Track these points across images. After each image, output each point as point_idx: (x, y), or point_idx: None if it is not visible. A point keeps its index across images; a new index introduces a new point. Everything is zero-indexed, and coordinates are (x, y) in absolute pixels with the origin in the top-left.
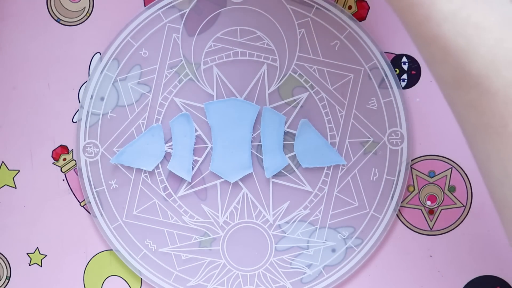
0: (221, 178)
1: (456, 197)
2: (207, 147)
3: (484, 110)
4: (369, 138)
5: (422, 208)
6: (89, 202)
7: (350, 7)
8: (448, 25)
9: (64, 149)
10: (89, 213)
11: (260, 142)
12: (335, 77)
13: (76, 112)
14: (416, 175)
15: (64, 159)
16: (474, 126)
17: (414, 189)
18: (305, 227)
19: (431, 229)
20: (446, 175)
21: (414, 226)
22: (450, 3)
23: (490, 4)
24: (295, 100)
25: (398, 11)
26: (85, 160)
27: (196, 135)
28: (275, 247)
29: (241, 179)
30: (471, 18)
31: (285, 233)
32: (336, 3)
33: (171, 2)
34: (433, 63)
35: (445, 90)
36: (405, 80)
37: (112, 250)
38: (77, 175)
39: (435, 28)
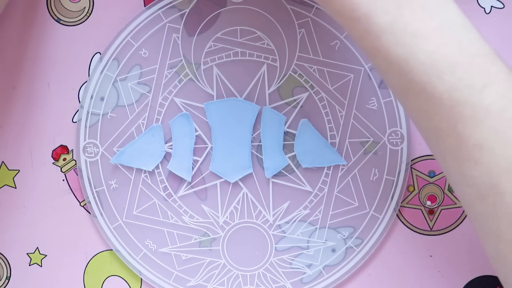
0: (221, 178)
1: (456, 197)
2: (207, 147)
3: (432, 114)
4: (369, 138)
5: (422, 208)
6: (89, 202)
7: None
8: (386, 36)
9: (64, 149)
10: (89, 213)
11: (260, 142)
12: (335, 77)
13: (76, 112)
14: (416, 175)
15: (64, 159)
16: (427, 130)
17: (414, 189)
18: (305, 227)
19: (431, 229)
20: None
21: (414, 226)
22: (387, 15)
23: (429, 11)
24: (295, 100)
25: (341, 26)
26: (85, 160)
27: (196, 135)
28: (275, 247)
29: (241, 179)
30: (408, 27)
31: (285, 233)
32: None
33: (171, 2)
34: (381, 73)
35: (397, 97)
36: None
37: (112, 250)
38: (77, 175)
39: (375, 41)
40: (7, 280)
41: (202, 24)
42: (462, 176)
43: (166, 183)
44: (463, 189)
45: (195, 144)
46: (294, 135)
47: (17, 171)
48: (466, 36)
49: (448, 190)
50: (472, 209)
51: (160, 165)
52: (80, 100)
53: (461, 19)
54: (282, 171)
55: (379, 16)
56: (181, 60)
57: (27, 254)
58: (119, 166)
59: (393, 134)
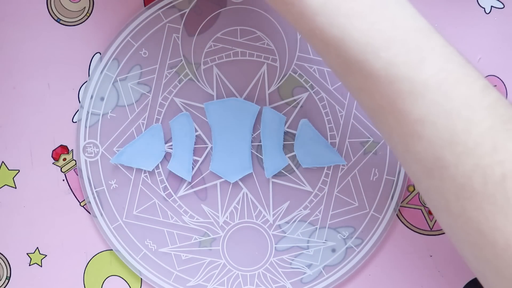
0: (221, 178)
1: None
2: (207, 147)
3: (372, 92)
4: (369, 138)
5: (422, 208)
6: (89, 202)
7: None
8: (320, 18)
9: (64, 149)
10: (89, 213)
11: (260, 142)
12: (335, 77)
13: (76, 112)
14: None
15: (64, 159)
16: (370, 109)
17: (414, 189)
18: (305, 227)
19: (431, 229)
20: None
21: (414, 226)
22: None
23: None
24: (295, 100)
25: (276, 10)
26: (85, 160)
27: (196, 135)
28: (275, 247)
29: (241, 179)
30: (341, 7)
31: (285, 233)
32: None
33: (171, 2)
34: (320, 54)
35: (338, 78)
36: None
37: (112, 250)
38: (77, 175)
39: (310, 23)
40: (7, 280)
41: (202, 24)
42: (407, 153)
43: (166, 183)
44: (410, 166)
45: (195, 144)
46: (294, 135)
47: (17, 171)
48: (400, 12)
49: None
50: (421, 186)
51: (160, 165)
52: (80, 100)
53: None
54: (282, 171)
55: None
56: (181, 60)
57: (27, 254)
58: (119, 166)
59: None
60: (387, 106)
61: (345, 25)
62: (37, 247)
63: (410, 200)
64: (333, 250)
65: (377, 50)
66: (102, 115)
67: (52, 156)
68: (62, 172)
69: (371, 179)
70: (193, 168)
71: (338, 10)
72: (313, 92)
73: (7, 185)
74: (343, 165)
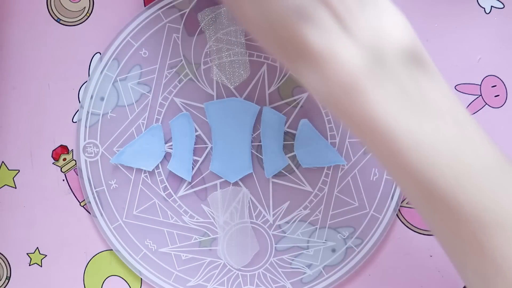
0: (221, 178)
1: None
2: (207, 147)
3: (454, 224)
4: None
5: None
6: (89, 202)
7: None
8: (406, 150)
9: (64, 149)
10: (89, 213)
11: (260, 142)
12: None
13: (76, 112)
14: None
15: (64, 159)
16: (450, 243)
17: None
18: (305, 227)
19: None
20: None
21: (414, 226)
22: (406, 127)
23: (445, 120)
24: (295, 100)
25: (356, 135)
26: (85, 160)
27: (196, 135)
28: (275, 247)
29: (241, 179)
30: (425, 138)
31: (285, 233)
32: None
33: (171, 2)
34: (400, 184)
35: (416, 207)
36: None
37: (112, 250)
38: (77, 175)
39: (394, 154)
40: (7, 280)
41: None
42: None
43: (166, 183)
44: None
45: (195, 144)
46: (294, 135)
47: (17, 171)
48: (481, 143)
49: None
50: None
51: (160, 165)
52: (80, 100)
53: (473, 125)
54: (282, 171)
55: (398, 129)
56: (181, 60)
57: (27, 254)
58: (119, 166)
59: None
60: (469, 239)
61: (430, 156)
62: (37, 247)
63: None
64: (333, 250)
65: (461, 181)
66: (102, 115)
67: (52, 156)
68: (62, 172)
69: (371, 179)
70: (193, 168)
71: (423, 141)
72: None
73: (7, 185)
74: (343, 165)
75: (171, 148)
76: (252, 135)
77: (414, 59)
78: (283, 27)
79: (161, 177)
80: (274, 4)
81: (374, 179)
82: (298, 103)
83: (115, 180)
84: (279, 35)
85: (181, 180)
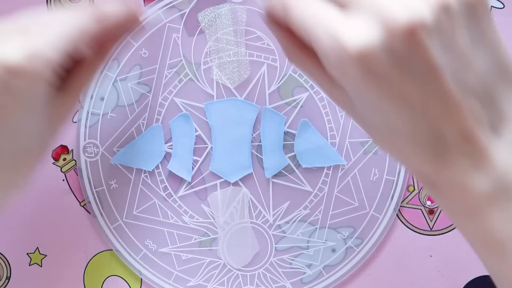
0: (221, 178)
1: None
2: (207, 147)
3: None
4: (369, 138)
5: (422, 208)
6: (89, 202)
7: None
8: (492, 211)
9: (64, 149)
10: (89, 213)
11: (260, 142)
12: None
13: (76, 112)
14: None
15: (64, 159)
16: None
17: (414, 189)
18: (305, 227)
19: (431, 229)
20: None
21: (414, 226)
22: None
23: None
24: (295, 100)
25: (435, 196)
26: (85, 160)
27: (196, 135)
28: (275, 247)
29: (241, 179)
30: None
31: (285, 233)
32: None
33: (171, 2)
34: (476, 251)
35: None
36: None
37: (112, 250)
38: (77, 175)
39: (474, 216)
40: (7, 280)
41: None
42: None
43: (166, 183)
44: None
45: (195, 144)
46: (294, 135)
47: None
48: None
49: None
50: None
51: (160, 165)
52: (80, 100)
53: None
54: (282, 171)
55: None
56: (181, 60)
57: (27, 254)
58: (119, 166)
59: None
60: None
61: None
62: (37, 247)
63: (410, 200)
64: (333, 250)
65: None
66: (102, 115)
67: (52, 156)
68: (62, 172)
69: (371, 179)
70: (193, 168)
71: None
72: (313, 92)
73: None
74: (343, 165)
75: (171, 148)
76: (252, 135)
77: None
78: (418, 159)
79: (161, 177)
80: (411, 146)
81: (374, 179)
82: (298, 103)
83: (115, 180)
84: (415, 164)
85: (181, 180)
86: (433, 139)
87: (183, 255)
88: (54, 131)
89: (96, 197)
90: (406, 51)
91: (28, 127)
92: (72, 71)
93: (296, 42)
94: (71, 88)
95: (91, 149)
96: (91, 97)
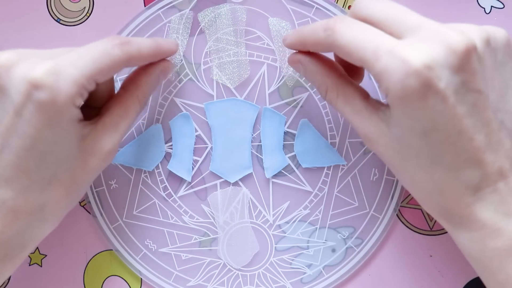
0: (221, 178)
1: None
2: (207, 147)
3: None
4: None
5: (422, 208)
6: (89, 202)
7: (350, 7)
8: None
9: None
10: (89, 213)
11: (260, 142)
12: None
13: None
14: None
15: None
16: None
17: None
18: (305, 227)
19: (431, 229)
20: None
21: (414, 226)
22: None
23: None
24: (295, 100)
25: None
26: None
27: (196, 135)
28: (275, 247)
29: (241, 179)
30: None
31: (285, 233)
32: (336, 3)
33: (171, 2)
34: None
35: None
36: None
37: (112, 250)
38: None
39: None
40: (7, 280)
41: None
42: None
43: (166, 183)
44: None
45: (195, 144)
46: (294, 135)
47: None
48: None
49: None
50: None
51: (160, 165)
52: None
53: None
54: (282, 171)
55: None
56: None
57: None
58: (119, 166)
59: None
60: None
61: None
62: (37, 247)
63: (410, 200)
64: (333, 250)
65: None
66: None
67: None
68: None
69: (371, 179)
70: (193, 168)
71: None
72: (313, 92)
73: None
74: (343, 165)
75: (171, 148)
76: (252, 135)
77: None
78: (455, 200)
79: (161, 177)
80: (450, 178)
81: (374, 179)
82: (298, 103)
83: (115, 180)
84: (446, 204)
85: (181, 180)
86: (473, 170)
87: (183, 255)
88: (85, 165)
89: (96, 197)
90: (463, 69)
91: (54, 149)
92: (106, 106)
93: (337, 72)
94: (104, 123)
95: None
96: None
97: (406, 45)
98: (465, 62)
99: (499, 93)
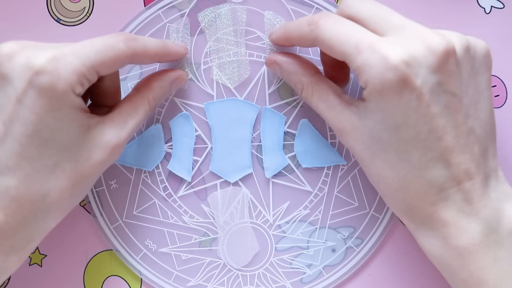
0: (221, 178)
1: None
2: (207, 147)
3: None
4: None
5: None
6: (89, 202)
7: None
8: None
9: None
10: (89, 213)
11: (260, 142)
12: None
13: None
14: None
15: None
16: None
17: None
18: (305, 227)
19: None
20: None
21: None
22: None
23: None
24: (295, 100)
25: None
26: None
27: (196, 135)
28: (275, 247)
29: (241, 179)
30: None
31: (285, 233)
32: (336, 3)
33: (171, 2)
34: None
35: None
36: None
37: (112, 250)
38: None
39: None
40: (7, 280)
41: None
42: None
43: (166, 183)
44: None
45: (195, 144)
46: (294, 135)
47: None
48: None
49: None
50: None
51: (160, 165)
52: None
53: None
54: (282, 171)
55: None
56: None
57: None
58: (119, 166)
59: None
60: None
61: None
62: (37, 247)
63: None
64: (333, 250)
65: None
66: None
67: None
68: None
69: None
70: (193, 168)
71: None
72: None
73: None
74: (343, 165)
75: (171, 148)
76: (252, 135)
77: None
78: (419, 198)
79: (161, 177)
80: (416, 176)
81: None
82: (298, 103)
83: (115, 180)
84: (411, 202)
85: (181, 180)
86: (440, 169)
87: (183, 255)
88: (90, 157)
89: (96, 197)
90: (440, 69)
91: (56, 136)
92: (116, 105)
93: (311, 71)
94: (112, 118)
95: None
96: None
97: (388, 41)
98: (443, 63)
99: (472, 99)
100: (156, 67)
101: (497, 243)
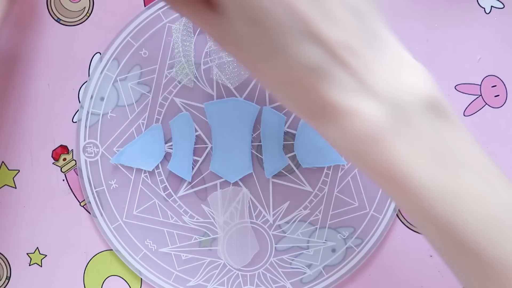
0: (221, 178)
1: None
2: (207, 147)
3: (483, 278)
4: None
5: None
6: (89, 202)
7: None
8: (433, 200)
9: (64, 149)
10: (89, 213)
11: (260, 142)
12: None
13: (76, 112)
14: None
15: (64, 159)
16: None
17: None
18: (305, 227)
19: None
20: None
21: (414, 226)
22: (431, 177)
23: (472, 171)
24: None
25: (376, 182)
26: (85, 160)
27: (196, 135)
28: (275, 247)
29: (241, 179)
30: (455, 190)
31: (285, 233)
32: None
33: None
34: (426, 235)
35: (442, 258)
36: None
37: (112, 250)
38: (77, 175)
39: (419, 203)
40: (7, 280)
41: None
42: None
43: (166, 183)
44: None
45: (195, 144)
46: (294, 135)
47: (17, 171)
48: (505, 191)
49: None
50: None
51: (160, 165)
52: (80, 100)
53: (497, 173)
54: (282, 171)
55: (421, 179)
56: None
57: (27, 254)
58: (119, 166)
59: None
60: (493, 285)
61: (460, 210)
62: (37, 247)
63: None
64: (333, 250)
65: (492, 237)
66: (102, 115)
67: (52, 156)
68: (62, 172)
69: None
70: (193, 168)
71: (452, 193)
72: None
73: (7, 185)
74: (343, 165)
75: (171, 148)
76: (252, 135)
77: (435, 109)
78: (300, 85)
79: (161, 177)
80: (290, 63)
81: None
82: None
83: (115, 180)
84: (296, 93)
85: (181, 180)
86: (311, 46)
87: (183, 255)
88: None
89: (96, 197)
90: None
91: None
92: None
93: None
94: None
95: (91, 149)
96: (91, 97)
97: None
98: None
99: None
100: (156, 67)
101: (404, 123)
